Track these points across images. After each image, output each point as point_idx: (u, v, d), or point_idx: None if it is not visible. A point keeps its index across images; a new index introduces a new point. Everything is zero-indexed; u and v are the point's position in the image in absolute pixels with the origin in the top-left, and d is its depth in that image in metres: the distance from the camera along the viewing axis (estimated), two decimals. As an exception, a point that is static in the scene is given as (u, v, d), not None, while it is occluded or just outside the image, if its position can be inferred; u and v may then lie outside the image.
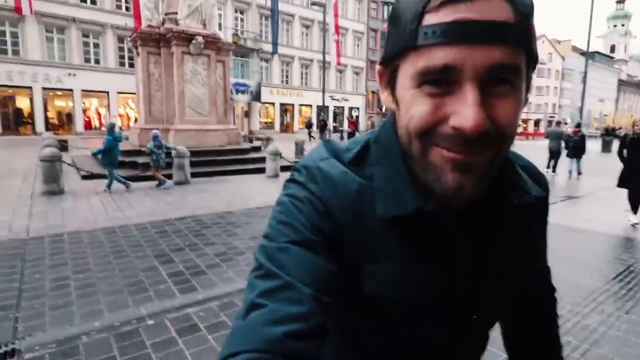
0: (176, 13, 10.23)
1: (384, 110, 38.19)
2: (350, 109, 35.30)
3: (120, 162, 8.76)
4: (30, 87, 20.50)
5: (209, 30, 10.48)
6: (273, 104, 30.39)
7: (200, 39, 9.90)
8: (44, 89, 20.93)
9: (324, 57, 22.05)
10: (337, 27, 29.69)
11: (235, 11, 27.66)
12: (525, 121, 50.36)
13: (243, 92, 26.96)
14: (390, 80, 0.48)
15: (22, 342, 2.46)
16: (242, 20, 28.20)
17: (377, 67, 0.52)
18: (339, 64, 31.29)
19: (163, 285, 3.30)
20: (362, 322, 0.54)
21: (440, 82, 0.41)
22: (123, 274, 3.51)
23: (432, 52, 0.40)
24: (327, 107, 30.46)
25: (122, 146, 10.12)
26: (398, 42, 0.44)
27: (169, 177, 7.93)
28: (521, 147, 23.96)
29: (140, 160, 8.61)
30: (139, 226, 4.97)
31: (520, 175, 0.54)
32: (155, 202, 6.32)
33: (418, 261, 0.49)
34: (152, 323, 2.70)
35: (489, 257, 0.52)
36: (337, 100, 34.40)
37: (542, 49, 56.37)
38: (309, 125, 23.05)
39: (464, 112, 0.39)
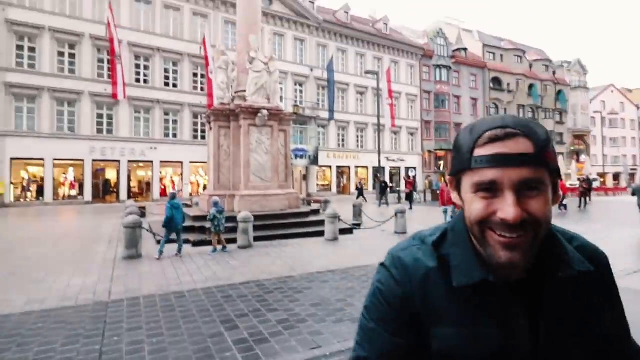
0: (244, 91, 11.40)
1: (441, 168, 37.49)
2: (407, 169, 35.17)
3: (190, 227, 9.42)
4: (118, 161, 23.39)
5: (273, 104, 11.45)
6: (330, 167, 31.35)
7: (265, 112, 10.82)
8: (129, 161, 23.76)
9: (378, 121, 22.76)
10: (390, 92, 30.91)
11: (295, 84, 30.15)
12: (603, 175, 46.14)
13: (302, 156, 28.28)
14: (457, 186, 0.69)
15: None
16: (301, 91, 30.56)
17: (448, 177, 0.73)
18: (393, 125, 32.01)
19: (229, 353, 3.31)
20: None
21: (489, 190, 0.61)
22: (192, 339, 3.60)
23: (482, 172, 0.62)
24: (383, 168, 30.64)
25: (191, 212, 10.95)
26: (460, 164, 0.66)
27: (234, 241, 8.27)
28: (604, 203, 21.73)
29: (209, 225, 9.15)
30: (206, 290, 5.15)
31: (567, 252, 0.68)
32: (222, 267, 6.57)
33: (478, 323, 0.64)
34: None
35: (541, 324, 0.64)
36: (393, 160, 34.60)
37: (613, 99, 53.13)
38: (359, 188, 23.03)
39: (506, 209, 0.59)
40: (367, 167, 32.87)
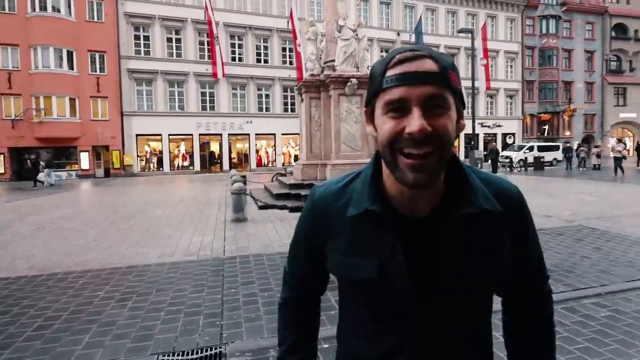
0: (333, 60, 11.35)
1: (546, 134, 33.26)
2: (504, 135, 32.00)
3: (286, 194, 9.99)
4: (220, 134, 25.64)
5: (362, 72, 11.23)
6: (419, 134, 30.00)
7: (354, 80, 10.69)
8: (230, 134, 25.85)
9: (473, 84, 20.88)
10: (485, 50, 27.73)
11: (382, 50, 29.06)
12: None
13: (389, 125, 27.55)
14: (371, 116, 0.72)
15: (227, 347, 2.95)
16: (388, 57, 29.34)
17: (364, 109, 0.76)
18: (488, 88, 29.04)
19: (333, 312, 3.51)
20: (344, 300, 0.83)
21: (399, 109, 0.65)
22: (298, 296, 3.88)
23: (392, 91, 0.65)
24: (477, 134, 28.36)
25: (286, 180, 11.57)
26: (373, 88, 0.69)
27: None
28: None
29: (304, 192, 9.61)
30: (306, 253, 5.48)
31: (472, 188, 0.72)
32: (317, 232, 6.90)
33: (360, 253, 0.73)
34: (326, 347, 2.88)
35: (438, 252, 0.70)
36: (488, 127, 31.76)
37: None
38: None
39: (413, 122, 0.63)
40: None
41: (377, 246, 0.72)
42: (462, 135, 30.13)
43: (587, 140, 33.16)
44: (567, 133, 34.14)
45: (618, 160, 16.25)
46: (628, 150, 25.84)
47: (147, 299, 3.91)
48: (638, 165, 21.36)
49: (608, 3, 35.32)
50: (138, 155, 24.64)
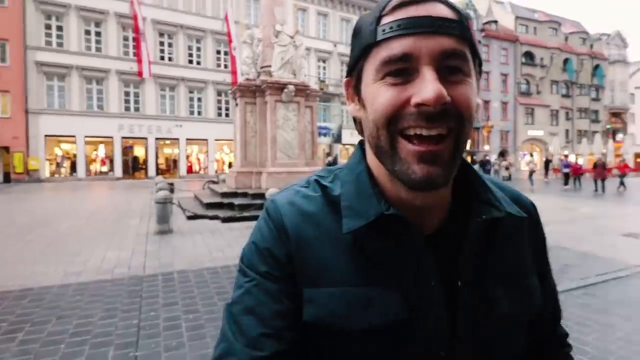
0: (270, 66, 11.12)
1: (468, 147, 36.35)
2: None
3: (218, 203, 9.43)
4: (146, 138, 23.79)
5: (299, 79, 11.14)
6: (353, 144, 30.86)
7: (291, 87, 10.55)
8: (157, 139, 24.11)
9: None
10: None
11: (318, 60, 29.52)
12: (643, 155, 43.68)
13: (325, 134, 27.90)
14: (356, 86, 0.51)
15: (141, 384, 2.52)
16: (324, 68, 29.92)
17: (344, 81, 0.54)
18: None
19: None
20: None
21: (401, 72, 0.45)
22: (228, 317, 3.53)
23: (392, 43, 0.45)
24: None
25: (218, 188, 10.97)
26: (362, 44, 0.48)
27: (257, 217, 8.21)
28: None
29: (237, 201, 9.14)
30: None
31: (491, 191, 0.53)
32: (251, 243, 6.53)
33: (369, 281, 0.48)
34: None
35: (462, 278, 0.49)
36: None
37: (658, 74, 49.51)
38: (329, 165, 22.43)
39: (425, 88, 0.43)
40: (391, 146, 32.28)
41: (395, 270, 0.48)
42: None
43: (503, 154, 36.81)
44: (487, 147, 37.62)
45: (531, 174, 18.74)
46: (536, 164, 29.07)
47: (44, 329, 3.27)
48: (545, 178, 24.11)
49: (519, 32, 39.89)
50: (47, 159, 21.84)
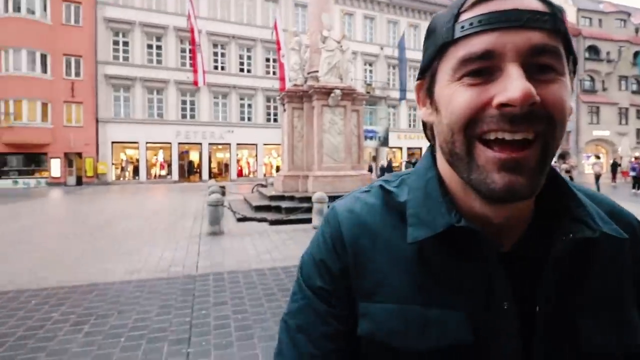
0: (317, 71, 11.23)
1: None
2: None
3: (266, 206, 9.66)
4: (200, 143, 25.08)
5: (345, 83, 11.14)
6: (400, 148, 30.34)
7: (338, 91, 10.57)
8: (210, 144, 25.34)
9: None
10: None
11: (365, 64, 29.37)
12: None
13: (371, 138, 27.69)
14: (429, 88, 0.47)
15: (192, 380, 2.61)
16: (370, 71, 29.71)
17: (416, 83, 0.51)
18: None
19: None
20: None
21: (481, 72, 0.41)
22: (274, 319, 3.57)
23: (472, 41, 0.40)
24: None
25: (266, 192, 11.24)
26: (435, 45, 0.44)
27: (309, 221, 8.28)
28: None
29: (284, 204, 9.30)
30: (285, 269, 5.17)
31: (584, 205, 0.46)
32: (298, 245, 6.59)
33: (433, 299, 0.44)
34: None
35: (542, 304, 0.43)
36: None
37: None
38: (382, 169, 21.53)
39: (510, 85, 0.38)
40: (441, 149, 31.21)
41: (462, 288, 0.44)
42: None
43: (563, 156, 34.16)
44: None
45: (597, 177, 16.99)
46: (602, 166, 26.71)
47: (107, 322, 3.52)
48: (612, 182, 22.00)
49: (581, 26, 36.92)
50: (113, 163, 23.78)
